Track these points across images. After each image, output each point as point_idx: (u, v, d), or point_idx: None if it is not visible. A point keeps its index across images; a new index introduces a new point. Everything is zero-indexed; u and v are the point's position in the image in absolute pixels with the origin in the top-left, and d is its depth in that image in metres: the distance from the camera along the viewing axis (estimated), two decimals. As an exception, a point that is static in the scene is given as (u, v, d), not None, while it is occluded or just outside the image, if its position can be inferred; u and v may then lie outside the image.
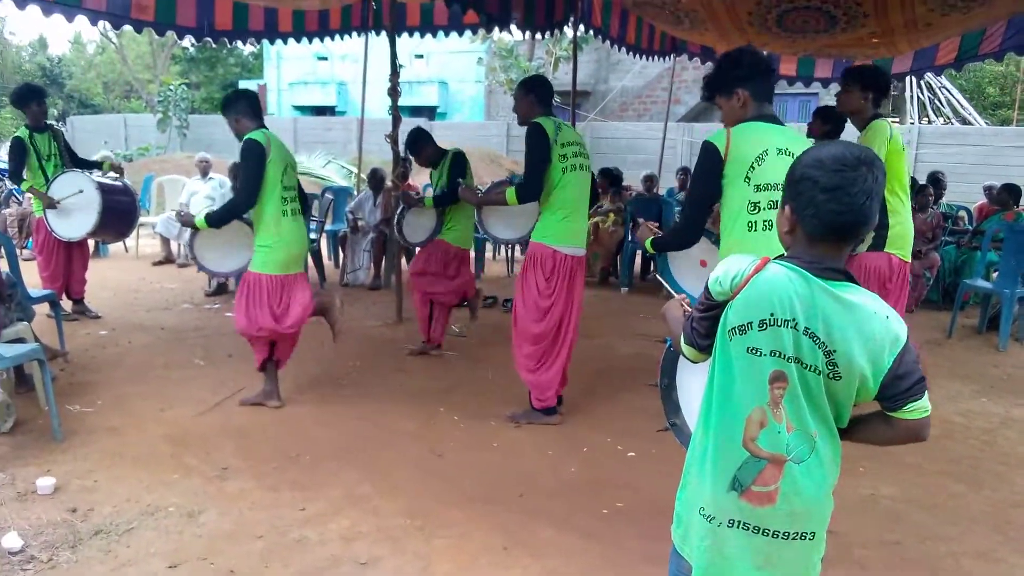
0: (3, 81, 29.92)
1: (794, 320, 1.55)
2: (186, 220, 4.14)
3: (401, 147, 5.72)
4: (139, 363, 5.07)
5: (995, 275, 6.64)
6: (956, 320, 6.31)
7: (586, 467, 3.63)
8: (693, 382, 2.38)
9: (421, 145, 5.32)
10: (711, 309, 1.68)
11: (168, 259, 8.95)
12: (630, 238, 7.97)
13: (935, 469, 3.61)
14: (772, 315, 1.56)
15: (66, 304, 6.24)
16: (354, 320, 6.30)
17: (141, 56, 31.44)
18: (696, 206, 2.83)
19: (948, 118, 17.91)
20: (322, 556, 2.81)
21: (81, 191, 5.58)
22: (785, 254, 1.66)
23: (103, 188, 5.64)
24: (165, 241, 8.94)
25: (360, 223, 7.91)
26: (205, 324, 6.12)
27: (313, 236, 7.70)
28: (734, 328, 1.62)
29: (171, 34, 7.02)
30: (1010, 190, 7.27)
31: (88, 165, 6.49)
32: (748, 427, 1.63)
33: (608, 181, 8.60)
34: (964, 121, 17.85)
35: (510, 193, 4.03)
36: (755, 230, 2.58)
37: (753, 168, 2.56)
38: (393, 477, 3.46)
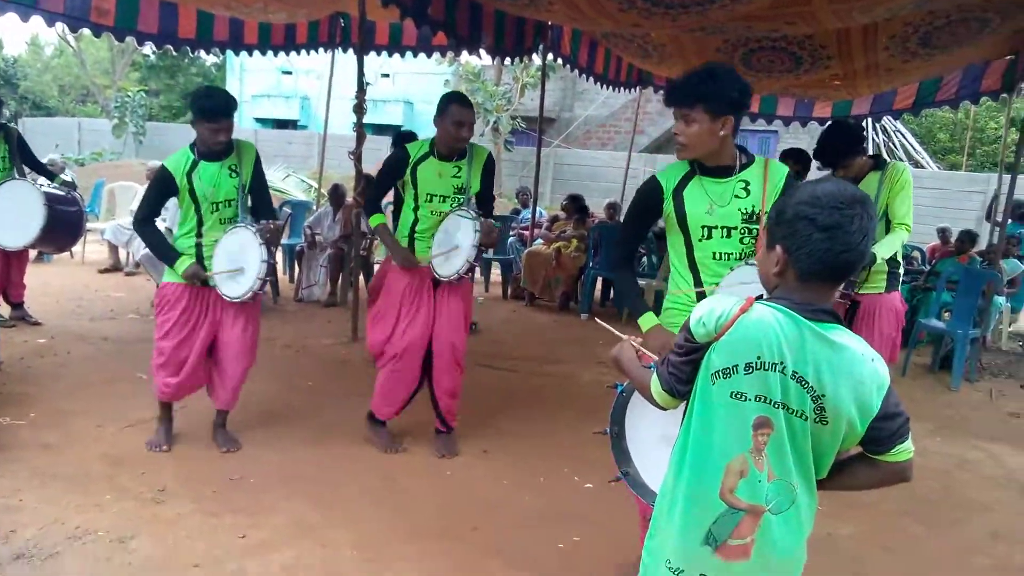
0: (-47, 79, 29.02)
1: (782, 363, 1.48)
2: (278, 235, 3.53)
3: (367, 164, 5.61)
4: (78, 375, 4.83)
5: (947, 315, 6.75)
6: (910, 359, 6.38)
7: (543, 498, 3.52)
8: (642, 429, 2.29)
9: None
10: (693, 352, 1.60)
11: (115, 267, 8.64)
12: (591, 264, 7.96)
13: (893, 509, 3.57)
14: (759, 358, 1.49)
15: (4, 309, 5.97)
16: (309, 338, 6.13)
17: (100, 61, 30.78)
18: None
19: (902, 160, 18.40)
20: (262, 589, 2.65)
21: (28, 205, 5.40)
22: (770, 295, 1.60)
23: (49, 201, 5.45)
24: (113, 248, 8.64)
25: (318, 238, 7.74)
26: (151, 336, 5.84)
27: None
28: (718, 371, 1.54)
29: (131, 40, 6.83)
30: (968, 236, 7.43)
31: (42, 171, 6.23)
32: (727, 477, 1.55)
33: (573, 207, 8.60)
34: (917, 164, 18.35)
35: None
36: None
37: None
38: (343, 506, 3.30)
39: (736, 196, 2.44)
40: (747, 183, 2.44)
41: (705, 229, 2.48)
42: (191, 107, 3.61)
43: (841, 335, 1.50)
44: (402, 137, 5.38)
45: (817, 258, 1.48)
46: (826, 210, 1.47)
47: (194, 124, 3.59)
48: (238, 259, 3.63)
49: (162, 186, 3.67)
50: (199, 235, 3.70)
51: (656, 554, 1.67)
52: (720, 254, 2.48)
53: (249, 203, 3.81)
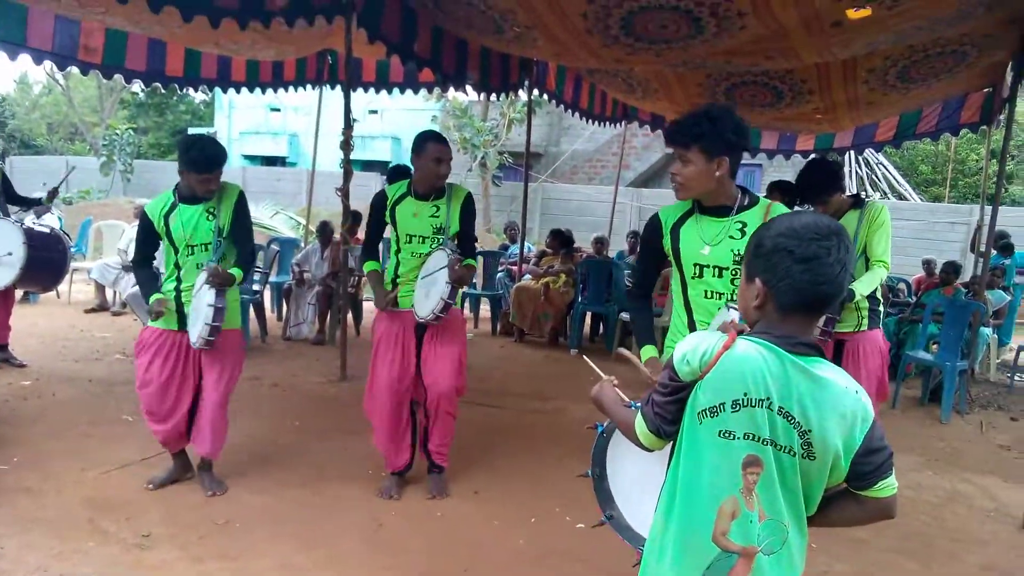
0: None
1: (768, 399, 1.47)
2: (224, 278, 3.57)
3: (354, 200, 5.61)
4: (63, 417, 4.76)
5: (934, 347, 6.78)
6: (899, 391, 6.38)
7: (534, 539, 3.48)
8: (624, 470, 2.26)
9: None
10: (678, 391, 1.58)
11: (102, 307, 8.57)
12: (580, 299, 7.97)
13: (886, 546, 3.55)
14: (746, 395, 1.47)
15: (-13, 352, 5.91)
16: (297, 376, 6.09)
17: (88, 99, 30.86)
18: None
19: (885, 193, 18.60)
20: (249, 637, 2.59)
21: (10, 252, 5.41)
22: (751, 329, 1.59)
23: (31, 240, 5.46)
24: (100, 288, 8.57)
25: (306, 275, 7.72)
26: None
27: (256, 287, 7.50)
28: (704, 410, 1.52)
29: (119, 78, 6.86)
30: (952, 268, 7.50)
31: (28, 203, 6.32)
32: (720, 519, 1.52)
33: (559, 242, 8.62)
34: (900, 196, 18.56)
35: None
36: None
37: None
38: (331, 548, 3.25)
39: (731, 236, 2.43)
40: (744, 224, 2.43)
41: (697, 267, 2.48)
42: (179, 157, 3.62)
43: (824, 368, 1.49)
44: (395, 172, 5.37)
45: (797, 290, 1.48)
46: (804, 242, 1.48)
47: (181, 172, 3.60)
48: (199, 304, 3.63)
49: (145, 231, 3.74)
50: (178, 279, 3.71)
51: (648, 603, 1.64)
52: (711, 292, 2.47)
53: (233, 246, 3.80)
